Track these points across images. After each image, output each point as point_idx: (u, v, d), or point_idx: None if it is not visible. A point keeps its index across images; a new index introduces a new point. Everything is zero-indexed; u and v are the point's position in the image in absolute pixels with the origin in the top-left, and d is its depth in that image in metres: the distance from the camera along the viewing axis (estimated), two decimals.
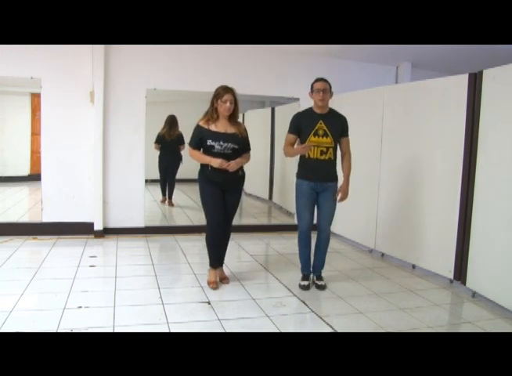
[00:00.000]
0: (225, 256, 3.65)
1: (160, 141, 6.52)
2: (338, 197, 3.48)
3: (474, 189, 3.46)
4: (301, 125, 3.46)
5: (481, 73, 3.42)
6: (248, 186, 7.71)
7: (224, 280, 3.59)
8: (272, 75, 5.48)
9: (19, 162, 8.29)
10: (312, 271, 3.65)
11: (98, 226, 4.91)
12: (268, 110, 7.39)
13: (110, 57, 4.88)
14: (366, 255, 4.71)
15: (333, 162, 3.48)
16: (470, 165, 3.51)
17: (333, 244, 5.11)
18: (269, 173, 7.31)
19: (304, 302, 3.26)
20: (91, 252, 4.34)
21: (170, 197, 6.71)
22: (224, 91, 3.30)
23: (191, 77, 5.18)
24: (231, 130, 3.35)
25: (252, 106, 7.99)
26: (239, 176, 3.45)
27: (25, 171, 8.27)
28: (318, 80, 3.47)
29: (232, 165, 3.28)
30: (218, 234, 3.42)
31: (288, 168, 6.04)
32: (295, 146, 3.54)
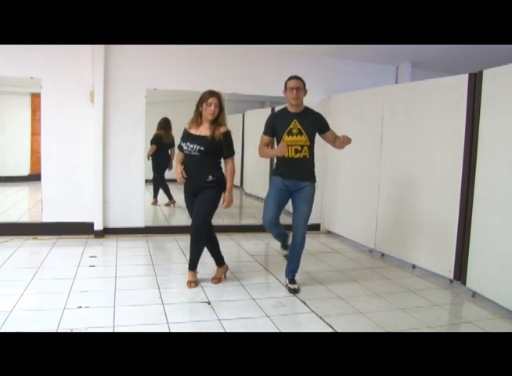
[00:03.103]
0: (220, 256, 3.60)
1: (158, 142, 6.47)
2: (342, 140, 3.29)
3: (473, 189, 3.46)
4: (276, 126, 3.38)
5: (481, 73, 3.42)
6: (248, 186, 7.73)
7: (212, 279, 3.59)
8: (272, 75, 5.46)
9: (19, 162, 8.29)
10: (285, 274, 3.52)
11: (98, 226, 4.92)
12: (268, 110, 7.37)
13: (110, 57, 4.87)
14: (366, 255, 4.71)
15: (308, 161, 3.35)
16: (470, 165, 3.51)
17: (333, 244, 5.13)
18: (269, 173, 7.30)
19: (304, 302, 3.26)
20: (91, 252, 4.34)
21: (171, 198, 6.70)
22: (209, 94, 3.29)
23: (191, 77, 5.17)
24: (205, 133, 3.31)
25: (252, 106, 7.98)
26: (209, 181, 3.31)
27: (25, 171, 8.27)
28: (291, 78, 3.38)
29: (226, 204, 3.36)
30: (193, 238, 3.40)
31: None
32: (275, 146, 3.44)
